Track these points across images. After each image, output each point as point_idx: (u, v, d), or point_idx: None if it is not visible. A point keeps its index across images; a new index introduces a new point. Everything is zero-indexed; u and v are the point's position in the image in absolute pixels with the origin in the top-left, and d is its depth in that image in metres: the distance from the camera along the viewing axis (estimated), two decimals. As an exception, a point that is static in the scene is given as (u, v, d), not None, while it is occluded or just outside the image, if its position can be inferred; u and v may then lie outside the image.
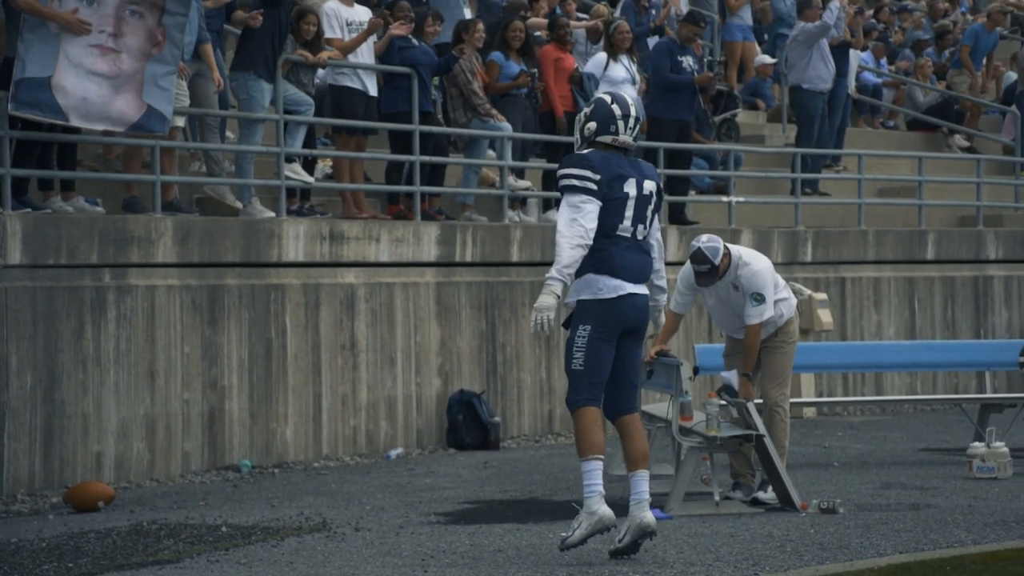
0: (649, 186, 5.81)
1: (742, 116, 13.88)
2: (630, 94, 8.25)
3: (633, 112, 5.82)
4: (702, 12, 12.66)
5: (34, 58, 7.63)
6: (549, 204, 10.83)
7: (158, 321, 8.18)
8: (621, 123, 5.79)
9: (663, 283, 6.09)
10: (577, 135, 5.91)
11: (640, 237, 5.80)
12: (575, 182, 5.68)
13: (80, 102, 7.72)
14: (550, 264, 5.78)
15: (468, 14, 11.44)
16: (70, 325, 7.80)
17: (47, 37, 7.67)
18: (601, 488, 5.68)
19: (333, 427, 9.00)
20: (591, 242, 5.66)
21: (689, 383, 7.00)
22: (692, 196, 11.98)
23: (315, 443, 8.91)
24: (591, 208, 5.65)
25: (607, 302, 5.72)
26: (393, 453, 9.18)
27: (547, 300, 5.64)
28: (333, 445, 9.00)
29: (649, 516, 5.69)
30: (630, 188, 5.74)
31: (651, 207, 5.83)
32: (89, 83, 7.74)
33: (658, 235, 5.98)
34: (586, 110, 5.89)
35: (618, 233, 5.73)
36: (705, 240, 7.07)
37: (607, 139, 5.80)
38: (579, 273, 5.77)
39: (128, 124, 7.91)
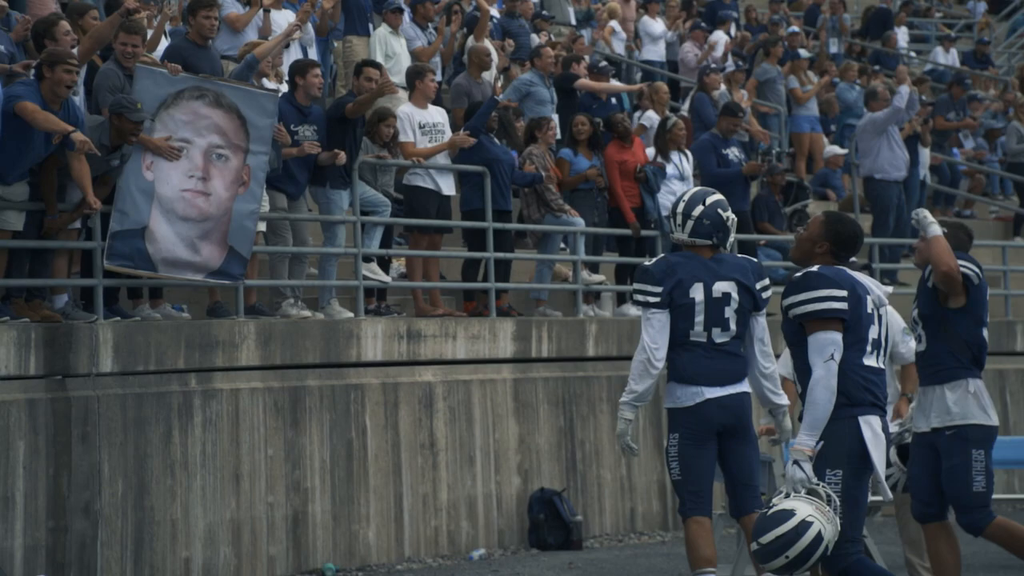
0: (723, 287, 5.68)
1: (813, 206, 13.82)
2: (686, 189, 8.14)
3: (680, 209, 5.80)
4: (738, 103, 12.59)
5: (130, 208, 7.79)
6: (623, 298, 10.82)
7: (242, 424, 8.23)
8: (671, 222, 5.89)
9: (780, 398, 5.90)
10: None
11: (719, 341, 5.68)
12: (639, 297, 5.81)
13: (169, 251, 7.89)
14: (627, 358, 5.79)
15: (551, 110, 11.55)
16: (159, 431, 7.87)
17: (143, 185, 7.83)
18: None
19: (415, 528, 8.95)
20: (658, 359, 5.67)
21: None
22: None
23: (397, 545, 8.86)
24: (656, 320, 5.69)
25: (687, 410, 5.71)
26: (475, 554, 9.09)
27: (619, 425, 5.76)
28: (415, 546, 8.94)
29: None
30: (696, 293, 5.68)
31: (731, 308, 5.69)
32: (180, 229, 7.92)
33: (763, 338, 5.82)
34: None
35: (691, 339, 5.69)
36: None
37: (674, 240, 5.93)
38: (668, 379, 5.81)
39: (209, 271, 8.09)
